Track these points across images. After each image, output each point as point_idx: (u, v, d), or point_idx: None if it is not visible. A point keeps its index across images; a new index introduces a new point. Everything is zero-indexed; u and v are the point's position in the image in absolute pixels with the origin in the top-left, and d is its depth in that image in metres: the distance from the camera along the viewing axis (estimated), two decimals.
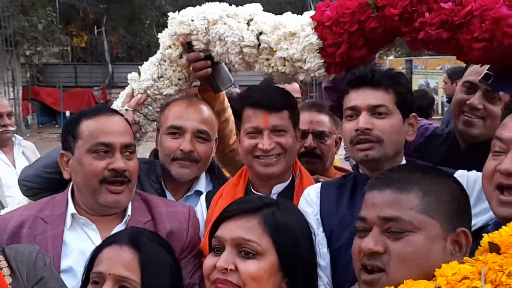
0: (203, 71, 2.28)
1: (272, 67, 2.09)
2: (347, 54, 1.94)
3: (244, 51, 2.10)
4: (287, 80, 2.17)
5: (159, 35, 2.36)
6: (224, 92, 2.45)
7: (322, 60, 1.99)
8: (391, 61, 19.16)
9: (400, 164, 1.58)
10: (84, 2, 18.92)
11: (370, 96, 1.86)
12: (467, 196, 1.44)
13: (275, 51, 2.06)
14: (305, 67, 2.02)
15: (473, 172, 1.86)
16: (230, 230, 1.44)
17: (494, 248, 1.20)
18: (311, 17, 2.00)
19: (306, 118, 2.48)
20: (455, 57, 1.79)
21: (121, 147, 1.90)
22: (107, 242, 1.63)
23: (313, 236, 1.52)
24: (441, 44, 1.77)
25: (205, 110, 2.31)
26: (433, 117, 6.28)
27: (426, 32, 1.75)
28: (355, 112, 1.89)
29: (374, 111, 1.86)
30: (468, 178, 1.85)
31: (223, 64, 2.39)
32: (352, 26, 1.88)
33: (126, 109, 2.30)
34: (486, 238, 1.24)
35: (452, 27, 1.72)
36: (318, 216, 1.91)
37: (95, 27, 20.75)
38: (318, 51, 1.99)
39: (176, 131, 2.25)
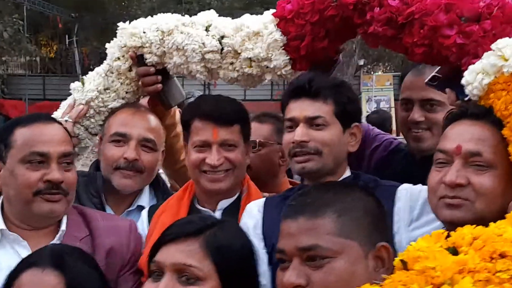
0: (153, 87, 2.30)
1: (238, 70, 2.13)
2: (311, 46, 2.01)
3: (206, 58, 2.13)
4: (254, 82, 2.20)
5: (107, 45, 2.36)
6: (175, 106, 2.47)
7: (288, 57, 2.06)
8: (379, 76, 19.41)
9: (311, 186, 1.61)
10: (54, 10, 18.92)
11: (307, 108, 1.91)
12: (382, 207, 1.47)
13: (240, 53, 2.11)
14: (272, 66, 2.08)
15: (418, 186, 1.90)
16: (170, 254, 1.43)
17: (405, 265, 1.22)
18: (273, 14, 2.08)
19: None
20: None
21: (58, 157, 1.88)
22: (26, 263, 1.55)
23: (256, 257, 1.54)
24: (388, 42, 1.84)
25: (152, 119, 2.32)
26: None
27: (374, 28, 1.82)
28: (293, 123, 1.93)
29: (312, 122, 1.90)
30: (411, 190, 1.89)
31: (174, 78, 2.41)
32: (313, 16, 1.96)
33: (66, 120, 2.29)
34: (399, 256, 1.26)
35: (396, 26, 1.79)
36: (260, 231, 1.92)
37: (66, 36, 20.75)
38: (283, 47, 2.06)
39: (121, 139, 2.25)
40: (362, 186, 1.58)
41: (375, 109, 16.26)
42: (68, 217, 1.95)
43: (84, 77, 2.41)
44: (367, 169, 2.30)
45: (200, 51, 2.12)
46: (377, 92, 18.33)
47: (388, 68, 22.33)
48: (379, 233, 1.41)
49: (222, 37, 2.12)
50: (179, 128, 2.44)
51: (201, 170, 2.07)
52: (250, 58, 2.08)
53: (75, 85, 2.39)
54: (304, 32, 1.99)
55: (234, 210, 2.06)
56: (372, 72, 20.69)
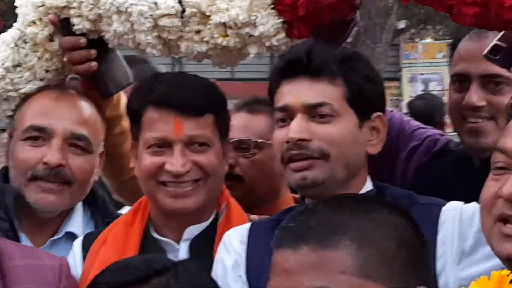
0: (85, 66, 2.30)
1: (207, 41, 2.12)
2: (313, 3, 1.99)
3: (160, 24, 2.12)
4: (232, 59, 2.20)
5: (17, 1, 2.35)
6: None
7: (280, 19, 2.05)
8: (427, 45, 19.44)
9: (318, 201, 1.60)
10: None
11: (306, 91, 1.91)
12: (421, 236, 1.46)
13: (209, 16, 2.10)
14: (257, 33, 2.06)
15: (472, 204, 1.88)
16: None
17: None
18: None
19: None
20: None
21: None
22: None
23: None
24: None
25: (85, 106, 2.33)
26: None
27: None
28: (288, 114, 1.92)
29: (313, 112, 1.90)
30: (463, 211, 1.89)
31: (117, 53, 2.42)
32: None
33: None
34: None
35: None
36: (243, 271, 1.92)
37: None
38: (272, 6, 2.05)
39: (39, 135, 2.26)
40: (392, 203, 1.56)
41: (422, 92, 16.29)
42: None
43: None
44: (402, 181, 2.29)
45: (151, 15, 2.11)
46: (425, 67, 18.35)
47: (440, 33, 22.35)
48: (418, 273, 1.40)
49: None
50: (126, 123, 2.44)
51: (158, 181, 2.08)
52: (224, 23, 2.07)
53: None
54: None
55: (207, 241, 2.07)
56: (417, 39, 20.72)
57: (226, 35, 2.10)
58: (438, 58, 18.53)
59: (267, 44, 2.09)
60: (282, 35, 2.07)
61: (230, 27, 2.08)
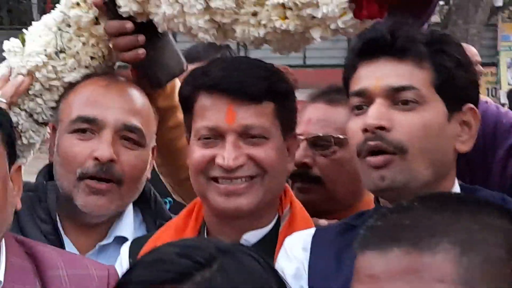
0: (132, 53, 2.31)
1: (265, 25, 2.11)
2: None
3: (213, 7, 2.11)
4: (294, 44, 2.19)
5: None
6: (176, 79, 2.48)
7: None
8: (505, 26, 19.06)
9: (413, 198, 1.57)
10: None
11: (389, 73, 1.87)
12: None
13: None
14: (320, 15, 2.04)
15: None
16: None
17: None
18: None
19: (304, 116, 2.48)
20: None
21: None
22: None
23: None
24: None
25: (138, 95, 2.34)
26: None
27: None
28: (365, 100, 1.89)
29: (396, 97, 1.86)
30: None
31: (170, 38, 2.42)
32: None
33: None
34: None
35: None
36: (305, 281, 1.91)
37: None
38: None
39: (87, 127, 2.27)
40: (501, 206, 1.50)
41: None
42: (9, 260, 1.98)
43: (25, 31, 2.43)
44: (501, 183, 2.24)
45: None
46: None
47: None
48: None
49: None
50: (181, 115, 2.43)
51: (208, 177, 2.08)
52: (283, 4, 2.05)
53: (11, 45, 2.41)
54: None
55: (267, 250, 2.02)
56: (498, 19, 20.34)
57: (286, 18, 2.07)
58: None
59: (332, 26, 2.06)
60: (350, 16, 2.04)
61: (290, 8, 2.06)
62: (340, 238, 1.93)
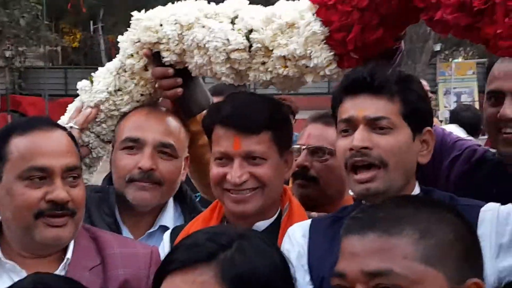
0: (172, 91, 2.28)
1: (271, 71, 2.06)
2: (361, 39, 1.92)
3: (232, 58, 2.07)
4: (293, 85, 2.14)
5: (119, 38, 2.35)
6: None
7: (332, 52, 1.98)
8: (459, 63, 19.04)
9: (385, 199, 1.53)
10: None
11: (369, 106, 1.82)
12: (475, 234, 1.38)
13: (272, 50, 2.04)
14: (311, 65, 2.00)
15: (508, 206, 1.79)
16: None
17: None
18: (310, 0, 1.99)
19: (306, 132, 2.49)
20: None
21: (63, 172, 1.85)
22: None
23: (293, 277, 1.43)
24: (462, 32, 1.74)
25: (171, 120, 2.31)
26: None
27: (442, 14, 1.72)
28: (350, 126, 1.84)
29: (374, 125, 1.81)
30: (499, 211, 1.78)
31: (200, 80, 2.38)
32: (362, 0, 1.86)
33: (72, 127, 2.30)
34: None
35: (472, 13, 1.68)
36: (305, 261, 1.86)
37: (91, 23, 21.22)
38: (324, 41, 1.98)
39: (133, 145, 2.24)
40: (450, 204, 1.49)
41: (455, 103, 15.95)
42: (77, 242, 1.94)
43: (93, 74, 2.40)
44: (446, 187, 2.19)
45: (225, 50, 2.06)
46: (458, 83, 18.00)
47: (470, 54, 21.83)
48: (470, 266, 1.32)
49: (250, 31, 2.05)
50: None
51: (223, 188, 2.04)
52: (284, 56, 2.01)
53: (82, 84, 2.39)
54: (351, 20, 1.89)
55: (272, 235, 2.00)
56: (451, 59, 20.30)
57: (286, 66, 2.03)
58: (468, 74, 18.15)
59: (321, 73, 2.02)
60: (334, 65, 2.00)
61: (289, 59, 2.02)
62: (331, 227, 1.88)
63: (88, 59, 21.76)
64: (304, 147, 2.43)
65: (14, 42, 16.87)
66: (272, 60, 2.04)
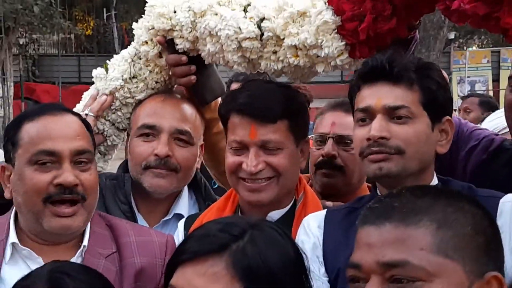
0: (186, 79, 2.29)
1: (282, 60, 2.06)
2: (373, 29, 1.90)
3: (243, 46, 2.06)
4: (304, 75, 2.12)
5: (134, 25, 2.35)
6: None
7: (343, 42, 1.96)
8: (473, 52, 18.86)
9: (402, 187, 1.53)
10: None
11: (387, 94, 1.80)
12: (495, 226, 1.35)
13: (283, 39, 2.03)
14: (323, 54, 1.98)
15: None
16: (187, 280, 1.33)
17: None
18: None
19: (327, 120, 2.45)
20: None
21: (72, 155, 1.85)
22: (20, 287, 1.56)
23: (307, 268, 1.42)
24: (480, 22, 1.72)
25: (187, 107, 2.31)
26: None
27: (460, 4, 1.69)
28: (368, 115, 1.82)
29: (393, 114, 1.79)
30: None
31: (214, 67, 2.37)
32: None
33: (87, 114, 2.31)
34: None
35: (490, 1, 1.65)
36: (320, 252, 1.85)
37: (104, 10, 21.19)
38: (336, 31, 1.96)
39: (150, 132, 2.24)
40: (471, 195, 1.46)
41: (469, 92, 15.80)
42: (92, 229, 1.95)
43: (108, 61, 2.40)
44: (463, 177, 2.17)
45: (236, 38, 2.06)
46: (472, 71, 17.83)
47: (485, 42, 21.61)
48: (490, 259, 1.29)
49: (262, 19, 2.04)
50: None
51: (238, 177, 2.04)
52: (295, 45, 2.00)
53: (97, 72, 2.40)
54: (364, 10, 1.88)
55: (287, 224, 2.00)
56: (465, 47, 20.10)
57: (297, 56, 2.02)
58: (483, 63, 17.98)
59: (332, 63, 2.01)
60: (345, 55, 1.99)
61: (300, 49, 2.01)
62: (347, 218, 1.87)
63: (101, 47, 21.75)
64: (329, 135, 2.40)
65: (27, 30, 16.87)
66: (283, 49, 2.03)
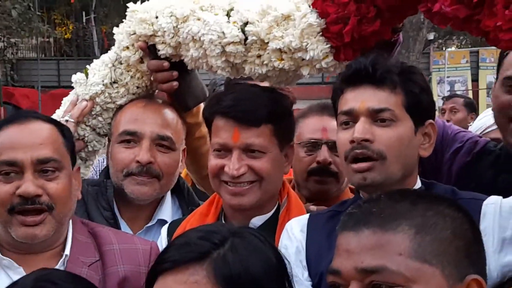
0: (168, 85, 2.28)
1: (267, 64, 2.05)
2: (358, 31, 1.90)
3: (227, 51, 2.06)
4: (289, 79, 2.12)
5: (115, 29, 2.33)
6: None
7: (328, 45, 1.96)
8: (452, 52, 19.00)
9: (381, 193, 1.49)
10: None
11: (371, 97, 1.80)
12: (476, 229, 1.36)
13: (267, 43, 2.02)
14: (308, 57, 1.98)
15: (511, 199, 1.77)
16: None
17: None
18: None
19: (317, 125, 2.42)
20: None
21: (34, 165, 1.83)
22: None
23: (289, 274, 1.42)
24: (461, 24, 1.73)
25: (168, 112, 2.30)
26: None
27: (441, 6, 1.70)
28: (351, 118, 1.82)
29: (376, 116, 1.79)
30: (502, 204, 1.77)
31: (196, 73, 2.36)
32: None
33: (67, 120, 2.29)
34: None
35: (471, 5, 1.66)
36: (303, 257, 1.85)
37: (83, 13, 21.05)
38: (320, 33, 1.96)
39: (131, 138, 2.23)
40: (451, 198, 1.47)
41: (448, 92, 15.92)
42: (75, 237, 1.93)
43: (88, 66, 2.39)
44: (448, 179, 2.18)
45: (220, 43, 2.05)
46: (451, 71, 17.95)
47: (463, 42, 21.79)
48: (470, 262, 1.30)
49: (246, 23, 2.04)
50: (204, 129, 2.40)
51: (220, 180, 2.03)
52: (280, 49, 2.00)
53: (77, 77, 2.38)
54: (348, 12, 1.88)
55: (270, 229, 1.99)
56: (444, 48, 20.25)
57: (282, 59, 2.03)
58: (462, 63, 18.11)
59: (318, 66, 2.01)
60: (330, 58, 1.99)
61: (285, 52, 2.01)
62: (330, 222, 1.87)
63: (81, 50, 21.59)
64: (322, 142, 2.38)
65: (6, 34, 16.72)
66: (268, 53, 2.03)
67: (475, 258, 1.32)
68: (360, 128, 1.78)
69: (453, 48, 20.76)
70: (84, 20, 21.24)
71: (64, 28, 21.29)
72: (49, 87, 18.75)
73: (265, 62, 2.05)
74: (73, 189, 1.93)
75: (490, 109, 3.67)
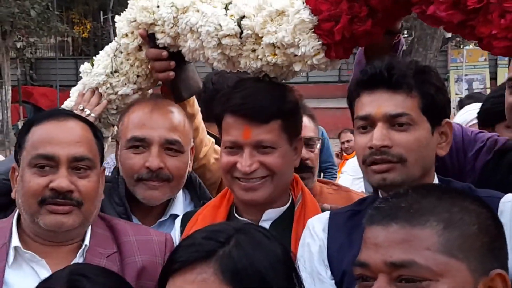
0: (164, 74, 2.28)
1: (261, 59, 2.05)
2: (349, 30, 1.89)
3: (223, 43, 2.06)
4: (284, 74, 2.12)
5: (116, 18, 2.35)
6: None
7: (319, 42, 1.96)
8: (470, 50, 18.87)
9: (408, 187, 1.48)
10: None
11: (387, 102, 1.79)
12: (500, 225, 1.37)
13: (262, 37, 2.03)
14: (299, 53, 1.98)
15: None
16: None
17: None
18: None
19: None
20: None
21: (69, 161, 1.88)
22: None
23: (296, 269, 1.45)
24: (455, 28, 1.72)
25: (175, 113, 2.29)
26: None
27: (435, 11, 1.70)
28: (369, 122, 1.82)
29: (393, 121, 1.78)
30: None
31: (192, 65, 2.38)
32: None
33: (88, 114, 2.33)
34: None
35: (466, 11, 1.65)
36: (325, 255, 1.86)
37: (101, 13, 21.22)
38: (312, 30, 1.96)
39: (139, 144, 2.22)
40: (476, 195, 1.47)
41: (467, 90, 15.84)
42: (93, 230, 1.96)
43: (94, 57, 2.42)
44: (472, 177, 2.19)
45: (216, 35, 2.05)
46: (469, 70, 17.89)
47: None
48: (494, 257, 1.31)
49: (242, 17, 2.03)
50: (198, 120, 2.44)
51: (233, 176, 2.04)
52: (273, 43, 1.99)
53: (84, 67, 2.42)
54: (340, 11, 1.87)
55: (286, 223, 2.02)
56: (462, 46, 20.10)
57: (275, 54, 2.02)
58: (480, 61, 18.02)
59: (309, 62, 2.00)
60: (322, 55, 1.97)
61: (278, 47, 2.00)
62: (350, 221, 1.87)
63: (99, 49, 21.65)
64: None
65: (25, 33, 16.89)
66: (262, 48, 2.02)
67: (499, 253, 1.33)
68: (378, 135, 1.78)
69: (471, 46, 20.58)
70: (101, 19, 21.40)
71: (82, 27, 21.49)
72: (67, 86, 18.81)
73: (259, 57, 2.04)
74: (100, 188, 1.99)
75: (470, 105, 3.75)
